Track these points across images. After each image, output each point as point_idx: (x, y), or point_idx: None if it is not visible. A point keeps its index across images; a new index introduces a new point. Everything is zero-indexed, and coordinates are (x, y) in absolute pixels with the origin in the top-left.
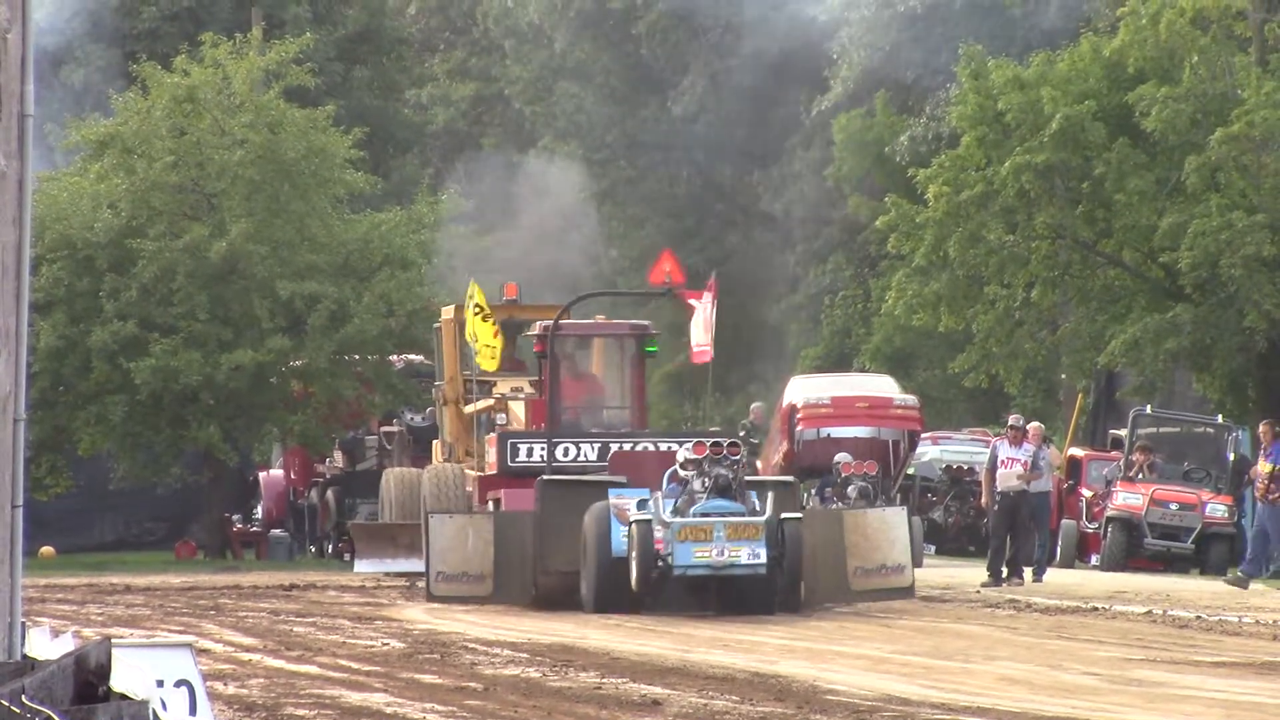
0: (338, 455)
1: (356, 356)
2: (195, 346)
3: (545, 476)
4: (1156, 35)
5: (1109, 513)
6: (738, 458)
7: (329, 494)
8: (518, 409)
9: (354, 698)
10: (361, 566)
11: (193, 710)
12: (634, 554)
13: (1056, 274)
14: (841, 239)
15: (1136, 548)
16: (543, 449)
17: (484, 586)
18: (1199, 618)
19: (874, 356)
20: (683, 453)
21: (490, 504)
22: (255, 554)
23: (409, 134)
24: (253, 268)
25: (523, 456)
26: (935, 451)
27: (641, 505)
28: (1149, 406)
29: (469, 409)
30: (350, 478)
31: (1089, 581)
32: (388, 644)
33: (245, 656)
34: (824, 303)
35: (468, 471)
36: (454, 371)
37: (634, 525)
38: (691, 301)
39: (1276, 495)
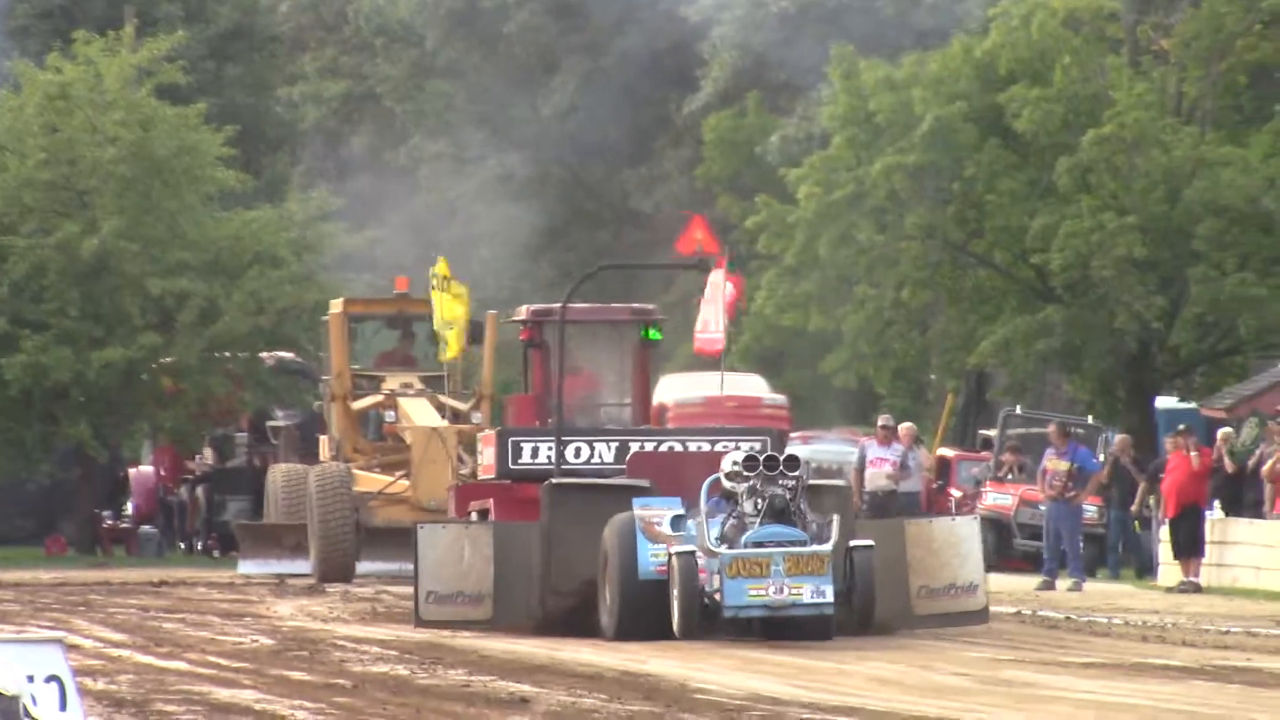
0: (208, 452)
1: (227, 354)
2: (66, 343)
3: (554, 480)
4: (1028, 36)
5: (978, 513)
6: (797, 474)
7: (199, 491)
8: (407, 406)
9: (223, 694)
10: (245, 567)
11: (63, 706)
12: (675, 592)
13: (927, 274)
14: None
15: (1006, 548)
16: (549, 449)
17: (482, 609)
18: (1068, 618)
19: (744, 356)
20: (729, 461)
21: (474, 515)
22: (125, 550)
23: (280, 132)
24: (124, 265)
25: (526, 457)
26: (805, 451)
27: (677, 523)
28: (1019, 407)
29: (357, 405)
30: (220, 474)
31: None
32: (257, 641)
33: (115, 652)
34: (694, 301)
35: (356, 471)
36: (342, 366)
37: (675, 558)
38: (711, 279)
39: (1073, 494)
